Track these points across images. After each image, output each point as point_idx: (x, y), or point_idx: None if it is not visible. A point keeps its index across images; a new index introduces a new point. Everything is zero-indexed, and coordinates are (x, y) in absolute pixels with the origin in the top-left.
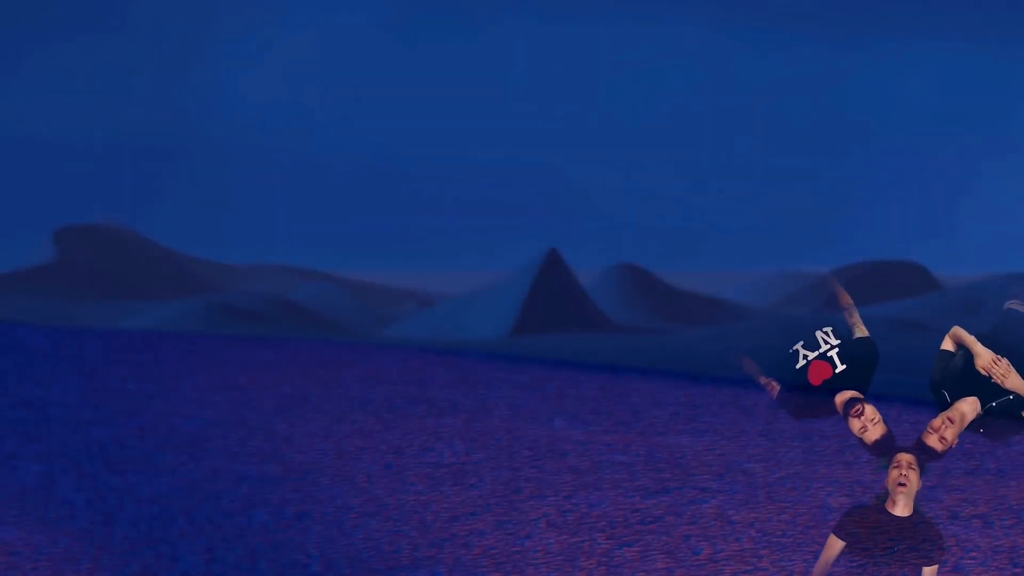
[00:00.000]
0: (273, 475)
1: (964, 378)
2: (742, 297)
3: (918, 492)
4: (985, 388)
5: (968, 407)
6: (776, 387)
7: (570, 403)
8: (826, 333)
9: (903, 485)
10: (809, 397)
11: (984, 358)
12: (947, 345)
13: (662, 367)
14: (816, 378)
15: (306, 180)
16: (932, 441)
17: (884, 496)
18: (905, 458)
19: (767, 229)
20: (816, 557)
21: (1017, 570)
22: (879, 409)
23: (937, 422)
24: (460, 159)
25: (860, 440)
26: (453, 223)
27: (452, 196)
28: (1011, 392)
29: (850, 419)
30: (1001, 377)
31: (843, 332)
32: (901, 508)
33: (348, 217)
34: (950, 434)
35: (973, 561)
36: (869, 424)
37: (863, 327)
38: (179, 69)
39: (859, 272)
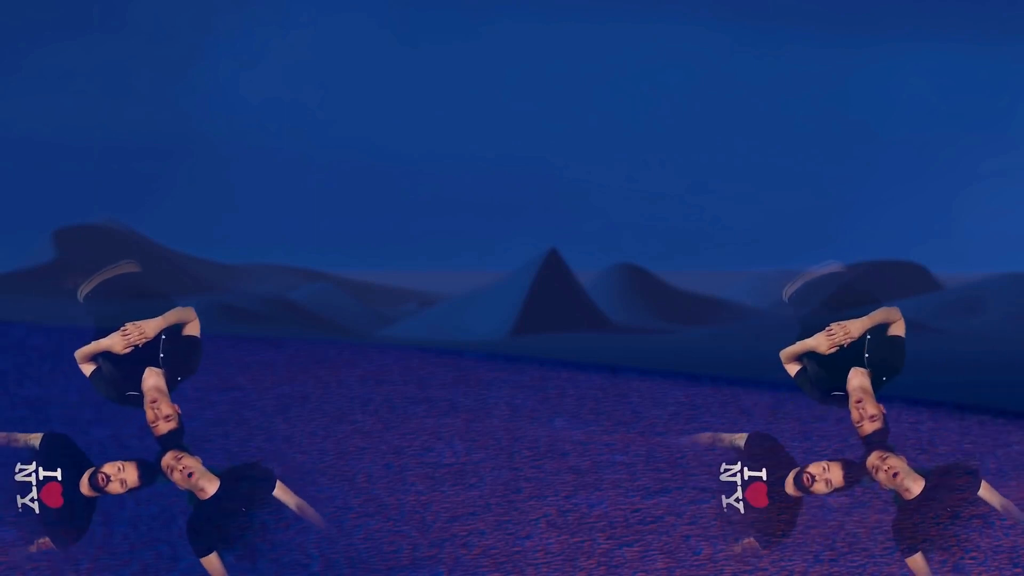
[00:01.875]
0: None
1: (829, 370)
2: (742, 297)
3: (909, 465)
4: (849, 356)
5: (858, 378)
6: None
7: (570, 403)
8: (727, 469)
9: (896, 474)
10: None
11: (821, 341)
12: (792, 368)
13: (662, 367)
14: (758, 500)
15: (306, 180)
16: (866, 428)
17: (898, 497)
18: (874, 457)
19: (767, 229)
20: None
21: (1017, 570)
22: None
23: (855, 414)
24: (460, 159)
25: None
26: (453, 223)
27: (452, 196)
28: (866, 334)
29: (812, 490)
30: (845, 336)
31: (733, 453)
32: (914, 486)
33: (348, 217)
34: (871, 408)
35: (973, 561)
36: (824, 480)
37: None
38: (179, 69)
39: (859, 272)
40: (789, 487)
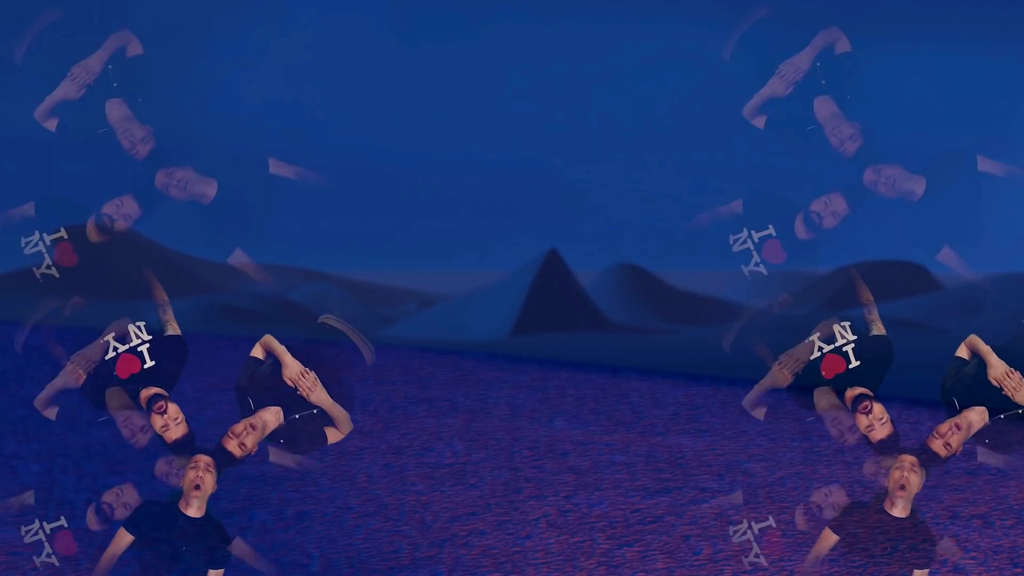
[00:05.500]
0: (273, 475)
1: (975, 387)
2: (742, 297)
3: (916, 494)
4: (995, 399)
5: (976, 416)
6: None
7: (570, 403)
8: (843, 327)
9: (904, 488)
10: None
11: (997, 369)
12: (962, 352)
13: (662, 367)
14: (829, 372)
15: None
16: (937, 446)
17: (883, 495)
18: (908, 460)
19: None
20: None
21: (1017, 570)
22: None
23: (944, 428)
24: (460, 159)
25: (865, 437)
26: (453, 223)
27: (452, 196)
28: (1021, 407)
29: (857, 415)
30: (1013, 390)
31: (860, 328)
32: (900, 510)
33: (348, 217)
34: (955, 441)
35: (973, 561)
36: (876, 423)
37: (881, 325)
38: (179, 69)
39: (859, 272)
40: (800, 523)
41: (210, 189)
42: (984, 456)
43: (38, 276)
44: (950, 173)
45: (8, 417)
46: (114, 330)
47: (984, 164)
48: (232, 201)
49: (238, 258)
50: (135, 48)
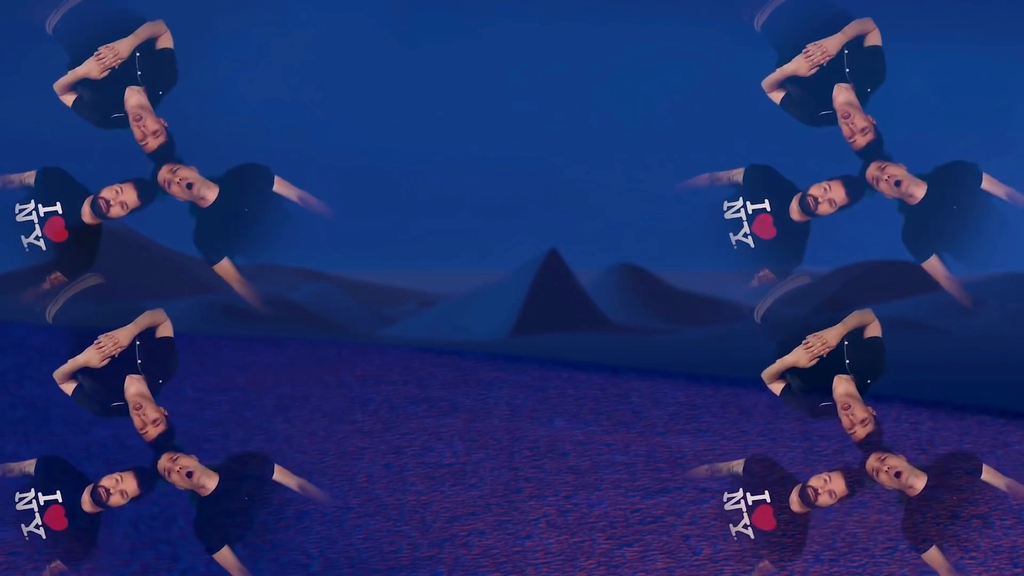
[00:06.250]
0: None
1: (815, 380)
2: (742, 297)
3: (909, 463)
4: (830, 365)
5: (843, 385)
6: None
7: (570, 403)
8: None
9: (899, 473)
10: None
11: (801, 356)
12: (776, 387)
13: (662, 367)
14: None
15: (306, 180)
16: (860, 432)
17: (902, 497)
18: (874, 460)
19: None
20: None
21: (1017, 570)
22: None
23: (845, 421)
24: (460, 159)
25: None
26: (453, 223)
27: (452, 196)
28: (843, 341)
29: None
30: (823, 347)
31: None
32: (917, 483)
33: (348, 217)
34: (860, 412)
35: (973, 561)
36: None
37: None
38: (179, 69)
39: (859, 272)
40: (795, 505)
41: (210, 193)
42: (988, 476)
43: (25, 245)
44: (952, 181)
45: (8, 417)
46: (149, 319)
47: (988, 183)
48: (232, 205)
49: (224, 267)
50: (166, 41)
